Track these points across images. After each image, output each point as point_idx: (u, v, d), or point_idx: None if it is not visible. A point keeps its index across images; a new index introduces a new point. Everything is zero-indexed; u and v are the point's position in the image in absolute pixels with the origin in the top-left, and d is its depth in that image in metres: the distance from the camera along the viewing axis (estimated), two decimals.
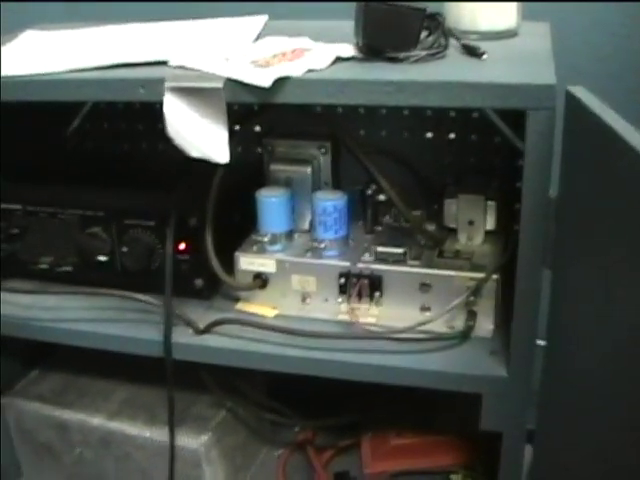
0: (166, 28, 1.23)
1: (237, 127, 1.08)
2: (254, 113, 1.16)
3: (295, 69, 0.92)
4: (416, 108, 1.21)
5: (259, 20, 1.20)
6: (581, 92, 0.86)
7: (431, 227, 1.14)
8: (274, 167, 1.18)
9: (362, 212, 1.17)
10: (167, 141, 0.98)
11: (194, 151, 0.97)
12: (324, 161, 1.18)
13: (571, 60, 1.29)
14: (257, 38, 1.11)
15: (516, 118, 0.94)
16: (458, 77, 0.89)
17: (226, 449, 1.28)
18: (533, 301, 0.95)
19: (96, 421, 1.30)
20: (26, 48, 1.19)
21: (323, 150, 1.17)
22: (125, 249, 1.16)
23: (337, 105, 1.13)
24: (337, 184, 1.20)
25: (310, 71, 0.93)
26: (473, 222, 1.12)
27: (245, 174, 1.18)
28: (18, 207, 1.22)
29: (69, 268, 1.22)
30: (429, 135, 1.26)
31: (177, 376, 1.12)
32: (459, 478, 1.28)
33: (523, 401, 1.00)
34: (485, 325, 1.06)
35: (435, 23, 1.01)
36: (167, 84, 0.95)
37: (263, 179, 1.20)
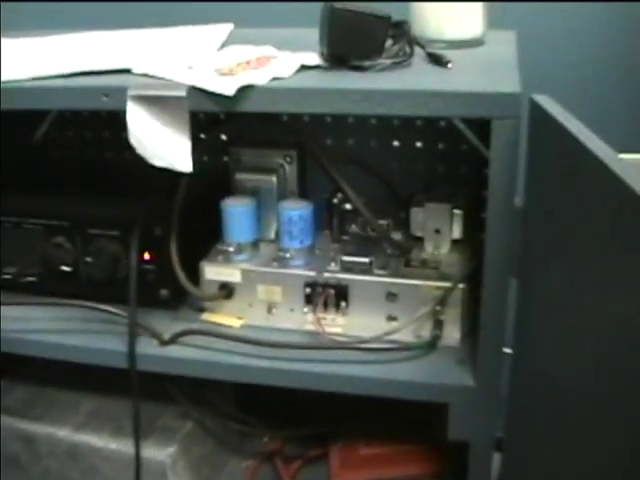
0: (130, 36, 1.22)
1: (203, 136, 1.08)
2: (220, 122, 1.15)
3: (259, 77, 0.91)
4: (383, 117, 1.21)
5: (224, 28, 1.19)
6: (545, 101, 0.86)
7: (398, 236, 1.13)
8: (240, 176, 1.17)
9: (329, 221, 1.17)
10: (132, 150, 0.97)
11: (157, 160, 0.96)
12: (290, 170, 1.17)
13: (538, 68, 1.29)
14: (222, 46, 1.11)
15: (483, 126, 0.94)
16: (423, 86, 0.89)
17: (193, 460, 1.27)
18: (500, 310, 0.95)
19: (62, 433, 1.28)
20: None
21: (289, 159, 1.16)
22: (90, 259, 1.15)
23: (303, 114, 1.13)
24: (303, 193, 1.19)
25: (275, 79, 0.93)
26: (439, 230, 1.12)
27: (211, 183, 1.17)
28: None
29: (33, 278, 1.21)
30: (396, 144, 1.26)
31: (143, 387, 1.11)
32: None
33: (490, 410, 0.99)
34: (452, 334, 1.05)
35: (400, 31, 1.01)
36: (130, 92, 0.94)
37: (230, 188, 1.19)
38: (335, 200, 1.13)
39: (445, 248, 1.12)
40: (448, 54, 0.99)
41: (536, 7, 1.37)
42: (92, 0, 1.51)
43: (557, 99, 0.88)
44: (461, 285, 1.04)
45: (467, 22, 1.09)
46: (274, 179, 1.16)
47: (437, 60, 0.99)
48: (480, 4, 1.09)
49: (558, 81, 1.35)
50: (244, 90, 0.90)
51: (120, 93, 0.95)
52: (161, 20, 1.27)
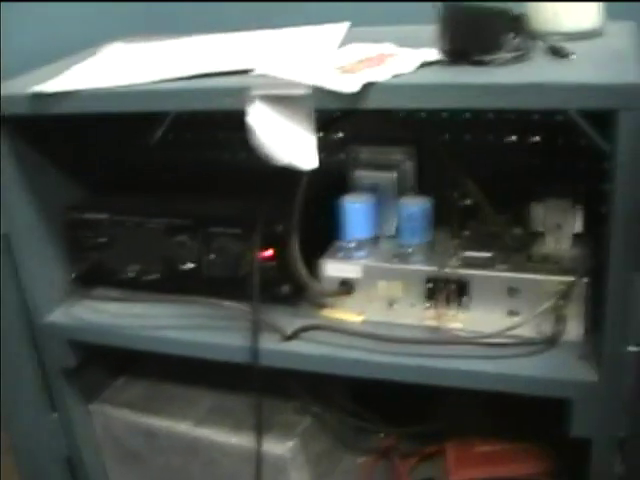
0: (248, 38, 1.24)
1: (319, 134, 1.09)
2: (336, 120, 1.16)
3: (381, 74, 0.92)
4: (500, 111, 1.20)
5: (341, 27, 1.20)
6: None
7: (518, 231, 1.13)
8: (359, 173, 1.18)
9: (446, 217, 1.17)
10: (250, 149, 0.98)
11: (281, 159, 0.98)
12: (408, 166, 1.17)
13: None
14: (340, 45, 1.12)
15: (601, 120, 0.93)
16: (545, 79, 0.88)
17: (311, 455, 1.28)
18: (624, 305, 0.93)
19: (183, 427, 1.31)
20: (111, 60, 1.21)
21: (408, 155, 1.17)
22: (212, 257, 1.17)
23: (422, 110, 1.13)
24: (422, 189, 1.19)
25: (396, 76, 0.93)
26: (561, 226, 1.11)
27: (329, 181, 1.18)
28: (105, 216, 1.24)
29: (156, 276, 1.24)
30: (513, 138, 1.25)
31: (263, 382, 1.13)
32: None
33: (614, 407, 0.98)
34: (575, 329, 1.04)
35: (520, 24, 1.00)
36: (253, 92, 0.96)
37: (347, 185, 1.20)
38: (455, 196, 1.13)
39: (566, 243, 1.11)
40: (567, 46, 0.98)
41: None
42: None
43: None
44: (584, 280, 1.03)
45: (585, 13, 1.08)
46: (393, 176, 1.17)
47: (558, 52, 0.98)
48: None
49: None
50: (367, 87, 0.91)
51: (243, 94, 0.96)
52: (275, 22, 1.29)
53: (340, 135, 1.29)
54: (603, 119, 0.90)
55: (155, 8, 1.49)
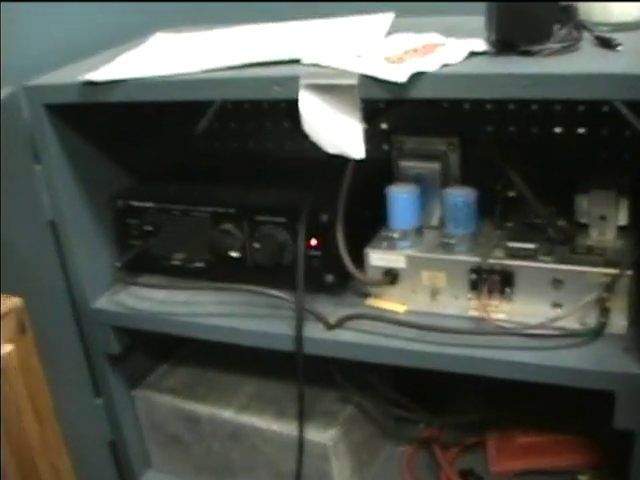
0: (295, 27, 1.24)
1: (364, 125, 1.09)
2: (381, 111, 1.17)
3: (430, 64, 0.93)
4: (545, 103, 1.20)
5: (386, 17, 1.20)
6: None
7: (562, 222, 1.12)
8: (403, 164, 1.19)
9: (490, 208, 1.17)
10: (295, 139, 0.99)
11: (330, 147, 0.99)
12: (453, 157, 1.17)
13: None
14: (387, 35, 1.12)
15: None
16: (594, 69, 0.88)
17: (353, 444, 1.30)
18: None
19: (226, 414, 1.33)
20: (158, 50, 1.22)
21: (452, 146, 1.17)
22: (257, 245, 1.19)
23: (466, 100, 1.14)
24: (466, 180, 1.19)
25: (445, 66, 0.94)
26: (605, 217, 1.10)
27: (374, 171, 1.19)
28: (151, 205, 1.26)
29: (201, 264, 1.26)
30: (558, 130, 1.25)
31: (305, 370, 1.14)
32: (587, 479, 1.26)
33: None
34: (618, 322, 1.04)
35: (567, 15, 0.99)
36: (302, 81, 0.96)
37: (391, 176, 1.21)
38: (498, 187, 1.14)
39: (611, 235, 1.11)
40: (615, 37, 0.98)
41: None
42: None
43: None
44: (629, 272, 1.02)
45: (633, 4, 1.07)
46: (438, 166, 1.17)
47: (606, 43, 0.97)
48: None
49: None
50: (415, 77, 0.91)
51: (292, 82, 0.98)
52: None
53: (384, 126, 1.29)
54: None
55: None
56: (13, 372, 1.06)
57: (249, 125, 1.47)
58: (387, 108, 1.17)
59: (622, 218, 1.10)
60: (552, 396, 1.13)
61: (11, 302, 1.06)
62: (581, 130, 1.25)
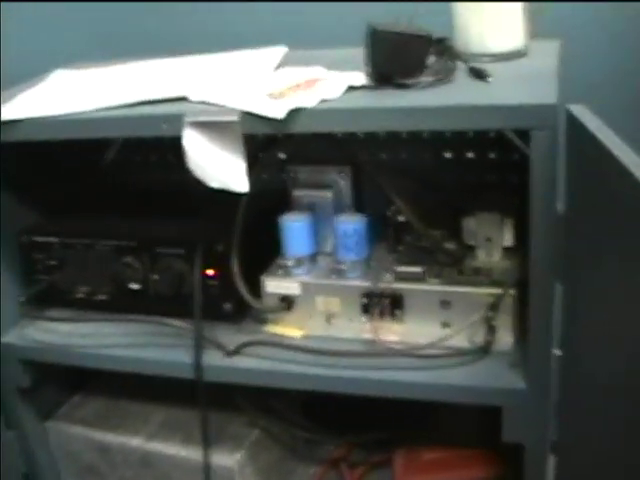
0: (190, 62, 1.27)
1: (260, 155, 1.12)
2: (277, 141, 1.20)
3: (308, 100, 0.96)
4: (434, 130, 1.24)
5: (278, 51, 1.24)
6: (580, 111, 0.88)
7: (451, 245, 1.16)
8: (297, 193, 1.22)
9: (384, 233, 1.20)
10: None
11: (214, 182, 1.01)
12: (344, 185, 1.21)
13: (586, 77, 1.31)
14: (276, 68, 1.16)
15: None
16: (463, 101, 0.92)
17: (261, 467, 1.32)
18: (547, 312, 0.97)
19: (136, 442, 1.34)
20: (57, 88, 1.24)
21: (343, 175, 1.20)
22: (157, 276, 1.21)
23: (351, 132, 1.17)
24: (360, 207, 1.23)
25: (323, 101, 0.97)
26: (491, 239, 1.14)
27: (270, 200, 1.22)
28: (55, 240, 1.27)
29: (105, 296, 1.27)
30: (448, 155, 1.29)
31: (211, 397, 1.17)
32: None
33: (543, 412, 1.02)
34: (505, 339, 1.08)
35: (443, 47, 1.04)
36: (186, 119, 0.99)
37: (289, 205, 1.24)
38: (389, 212, 1.17)
39: (497, 255, 1.15)
40: (490, 67, 1.02)
41: (583, 13, 1.38)
42: None
43: (604, 108, 0.89)
44: (511, 291, 1.06)
45: (509, 35, 1.11)
46: (330, 194, 1.21)
47: (478, 74, 1.01)
48: (522, 17, 1.11)
49: (606, 89, 1.36)
50: (294, 112, 0.95)
51: (178, 120, 1.00)
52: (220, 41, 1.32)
53: (282, 156, 1.32)
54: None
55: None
56: None
57: (152, 157, 1.49)
58: (283, 138, 1.20)
59: (507, 239, 1.14)
60: (456, 411, 1.17)
61: None
62: (470, 155, 1.28)
